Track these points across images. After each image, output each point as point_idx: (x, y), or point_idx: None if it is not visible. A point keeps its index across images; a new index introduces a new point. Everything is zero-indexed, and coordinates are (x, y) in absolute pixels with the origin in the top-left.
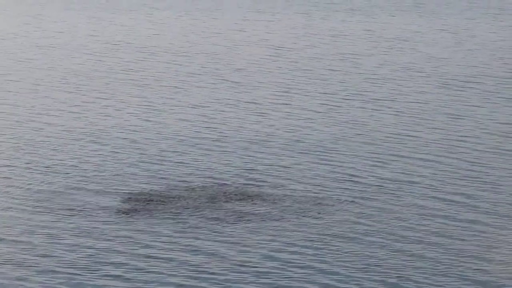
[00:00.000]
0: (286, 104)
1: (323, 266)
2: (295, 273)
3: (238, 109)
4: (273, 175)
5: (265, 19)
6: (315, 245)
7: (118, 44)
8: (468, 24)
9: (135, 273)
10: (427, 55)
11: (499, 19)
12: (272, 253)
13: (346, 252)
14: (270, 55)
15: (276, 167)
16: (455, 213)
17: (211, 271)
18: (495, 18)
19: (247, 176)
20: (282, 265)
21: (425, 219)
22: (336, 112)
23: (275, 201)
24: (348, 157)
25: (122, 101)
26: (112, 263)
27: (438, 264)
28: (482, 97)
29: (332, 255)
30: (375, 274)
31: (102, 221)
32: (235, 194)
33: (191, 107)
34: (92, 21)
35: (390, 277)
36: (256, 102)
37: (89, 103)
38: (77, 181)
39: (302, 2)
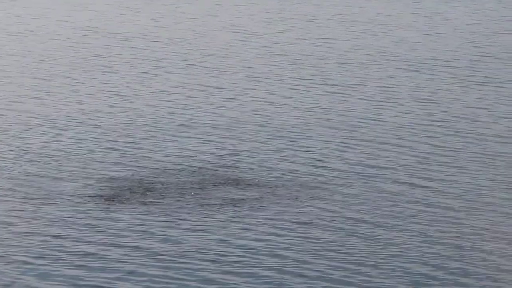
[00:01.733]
0: (257, 89)
1: (298, 255)
2: (268, 263)
3: (208, 94)
4: (245, 161)
5: (238, 3)
6: (289, 233)
7: (89, 30)
8: (444, 7)
9: (109, 263)
10: (399, 39)
11: (475, 3)
12: (248, 242)
13: (320, 240)
14: (242, 40)
15: (247, 152)
16: (425, 198)
17: (187, 261)
18: (471, 1)
19: (219, 162)
20: (256, 253)
21: (395, 205)
22: (307, 97)
23: (247, 187)
24: (318, 142)
25: (92, 86)
26: (85, 253)
27: (408, 250)
28: (453, 81)
29: (304, 242)
30: (347, 262)
31: (74, 210)
32: (210, 180)
33: (162, 93)
34: (63, 7)
35: (363, 265)
36: (226, 87)
37: (59, 89)
38: (48, 168)
39: None
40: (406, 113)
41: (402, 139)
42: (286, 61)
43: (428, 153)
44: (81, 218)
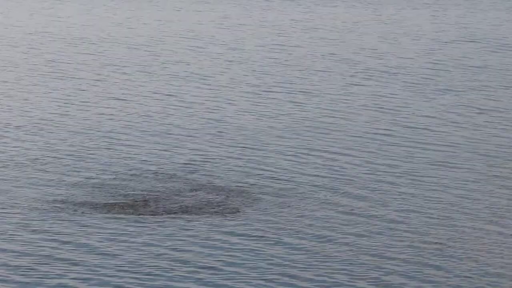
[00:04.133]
0: (214, 96)
1: (279, 264)
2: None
3: (163, 101)
4: (204, 167)
5: (197, 9)
6: (266, 240)
7: (45, 34)
8: (408, 14)
9: (72, 272)
10: (358, 46)
11: (437, 9)
12: (223, 252)
13: (287, 246)
14: (200, 47)
15: (204, 158)
16: (375, 209)
17: (152, 269)
18: (438, 8)
19: (179, 167)
20: (224, 264)
21: (347, 213)
22: (264, 104)
23: (217, 194)
24: (275, 147)
25: (50, 92)
26: (39, 256)
27: (383, 252)
28: (408, 89)
29: (281, 250)
30: (314, 269)
31: (40, 216)
32: (179, 187)
33: (116, 99)
34: (20, 11)
35: (330, 269)
36: (187, 93)
37: (11, 95)
38: (7, 175)
39: None
40: (360, 121)
41: (356, 146)
42: (244, 68)
43: (382, 159)
44: (42, 224)
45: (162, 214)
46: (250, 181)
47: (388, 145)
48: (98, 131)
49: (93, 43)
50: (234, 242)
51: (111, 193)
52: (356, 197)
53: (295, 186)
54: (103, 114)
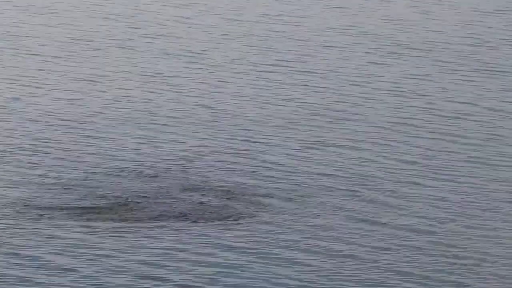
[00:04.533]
0: (207, 77)
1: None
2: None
3: (146, 83)
4: (196, 164)
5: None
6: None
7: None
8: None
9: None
10: (381, 17)
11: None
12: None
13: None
14: (189, 17)
15: (196, 153)
16: (395, 216)
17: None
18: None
19: (166, 164)
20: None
21: (365, 221)
22: (267, 87)
23: (204, 195)
24: (280, 139)
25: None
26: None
27: (364, 255)
28: (441, 69)
29: (282, 252)
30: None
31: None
32: (159, 186)
33: (88, 80)
34: None
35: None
36: (169, 74)
37: None
38: None
39: None
40: (388, 108)
41: (382, 139)
42: (246, 42)
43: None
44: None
45: (145, 220)
46: (252, 181)
47: (414, 137)
48: (66, 119)
49: (58, 13)
50: (232, 258)
51: (83, 195)
52: (374, 202)
53: (304, 187)
54: (72, 98)
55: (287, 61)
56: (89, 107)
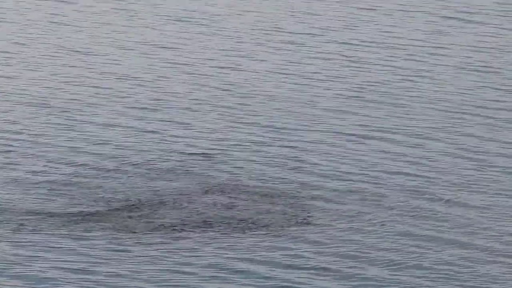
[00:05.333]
0: (229, 55)
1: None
2: None
3: (158, 64)
4: (220, 159)
5: None
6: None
7: None
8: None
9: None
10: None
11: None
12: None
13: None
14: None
15: (220, 146)
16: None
17: None
18: None
19: (184, 160)
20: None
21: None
22: (297, 68)
23: (231, 198)
24: (320, 129)
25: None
26: None
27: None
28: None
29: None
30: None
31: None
32: (176, 187)
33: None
34: None
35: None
36: (182, 53)
37: None
38: None
39: None
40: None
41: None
42: (267, 17)
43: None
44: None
45: (157, 228)
46: (288, 178)
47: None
48: (59, 106)
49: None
50: (268, 275)
51: (79, 197)
52: (438, 204)
53: (355, 188)
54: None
55: (319, 35)
56: (92, 92)
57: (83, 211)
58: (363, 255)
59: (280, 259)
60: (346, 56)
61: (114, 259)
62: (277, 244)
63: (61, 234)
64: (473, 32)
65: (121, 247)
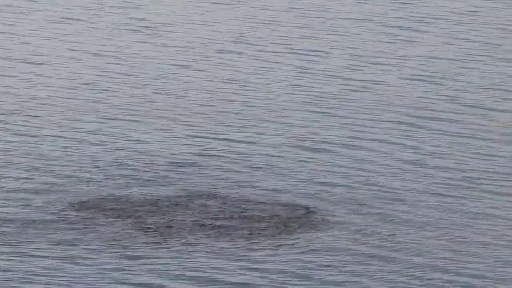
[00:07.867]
0: (232, 55)
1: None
2: None
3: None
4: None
5: None
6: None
7: None
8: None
9: None
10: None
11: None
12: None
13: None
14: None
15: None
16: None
17: None
18: None
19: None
20: None
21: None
22: (309, 67)
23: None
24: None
25: None
26: None
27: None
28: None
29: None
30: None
31: None
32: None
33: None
34: None
35: None
36: (186, 50)
37: None
38: None
39: None
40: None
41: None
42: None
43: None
44: None
45: (140, 237)
46: (286, 186)
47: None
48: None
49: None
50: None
51: (70, 202)
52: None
53: (382, 194)
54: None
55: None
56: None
57: (66, 219)
58: (351, 262)
59: (269, 266)
60: (297, 66)
61: (99, 267)
62: (266, 252)
63: (45, 242)
64: (424, 42)
65: (104, 256)
